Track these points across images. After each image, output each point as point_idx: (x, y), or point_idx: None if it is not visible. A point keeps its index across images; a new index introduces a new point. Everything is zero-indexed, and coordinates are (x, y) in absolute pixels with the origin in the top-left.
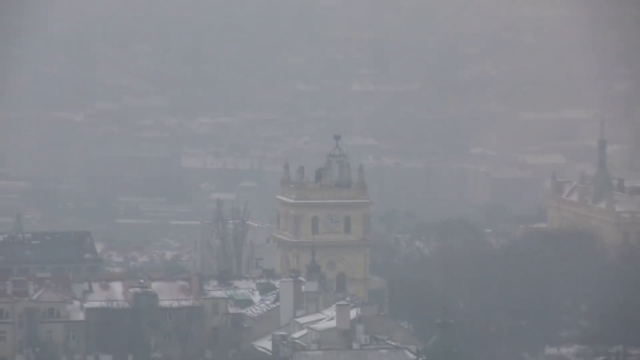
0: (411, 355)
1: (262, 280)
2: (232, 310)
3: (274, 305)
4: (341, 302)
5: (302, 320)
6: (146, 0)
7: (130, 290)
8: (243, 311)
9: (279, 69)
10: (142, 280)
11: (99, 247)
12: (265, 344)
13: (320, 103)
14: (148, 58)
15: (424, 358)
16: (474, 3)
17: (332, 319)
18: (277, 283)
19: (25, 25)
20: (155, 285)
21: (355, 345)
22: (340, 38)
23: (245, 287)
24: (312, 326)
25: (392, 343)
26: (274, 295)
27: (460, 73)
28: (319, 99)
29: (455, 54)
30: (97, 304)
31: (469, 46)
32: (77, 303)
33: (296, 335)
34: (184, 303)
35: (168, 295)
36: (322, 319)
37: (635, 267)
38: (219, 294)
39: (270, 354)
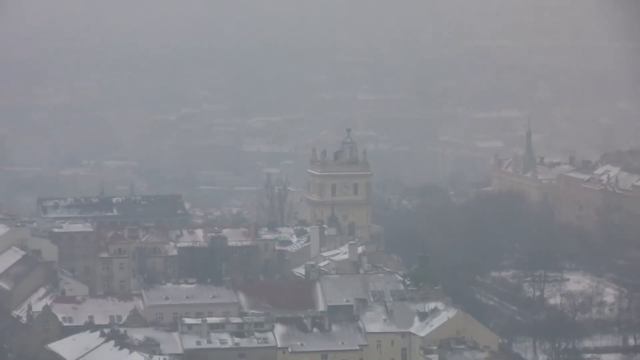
0: (399, 278)
1: (298, 227)
2: (277, 247)
3: (306, 244)
4: (351, 242)
5: (325, 254)
6: (215, 34)
7: (208, 235)
8: (285, 248)
9: (308, 83)
10: (216, 228)
11: (187, 206)
12: (300, 271)
13: (336, 107)
14: (219, 77)
15: (408, 280)
16: (443, 35)
17: (345, 253)
18: (308, 229)
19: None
20: (225, 231)
21: (361, 271)
22: (350, 62)
23: (286, 232)
24: (332, 258)
25: (386, 269)
26: (306, 237)
27: (433, 86)
28: (335, 104)
29: (430, 73)
30: (185, 244)
31: (439, 68)
32: (172, 244)
33: (321, 264)
34: (245, 243)
35: (234, 238)
36: (338, 253)
37: (551, 217)
38: (268, 237)
39: (303, 277)
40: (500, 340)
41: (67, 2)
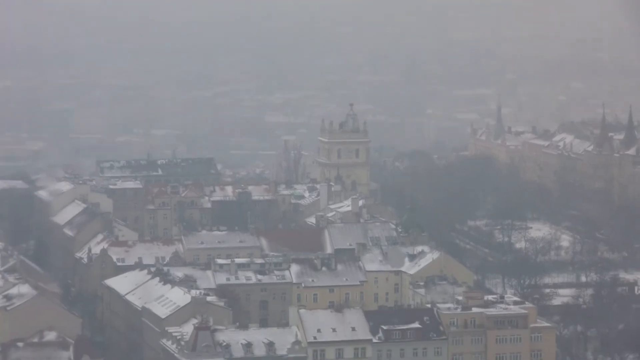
0: (393, 226)
1: (309, 184)
2: (293, 201)
3: (316, 198)
4: (353, 197)
5: (332, 206)
6: (242, 26)
7: (236, 191)
8: (299, 202)
9: (318, 67)
10: (242, 185)
11: (218, 167)
12: (311, 220)
13: (341, 86)
14: (246, 62)
15: (400, 227)
16: (429, 28)
17: (348, 206)
18: (318, 186)
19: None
20: (250, 188)
21: (361, 221)
22: (353, 49)
23: (300, 188)
24: (338, 210)
25: (382, 219)
26: (316, 192)
27: (421, 69)
28: (340, 84)
29: (418, 59)
30: (217, 198)
31: (425, 54)
32: (206, 198)
33: (329, 215)
34: (266, 197)
35: (257, 193)
36: (343, 206)
37: (517, 176)
38: (285, 192)
39: (314, 225)
40: (475, 277)
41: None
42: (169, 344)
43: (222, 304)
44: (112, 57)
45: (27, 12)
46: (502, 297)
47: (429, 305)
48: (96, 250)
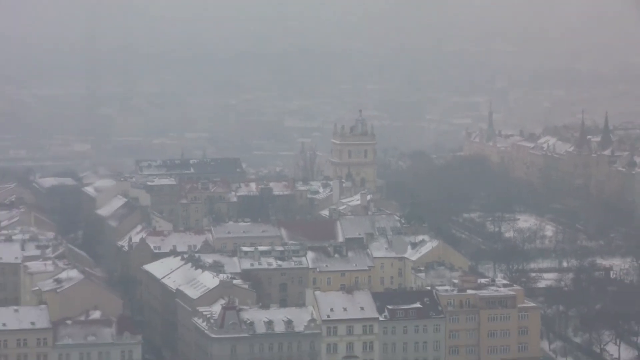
0: (397, 218)
1: (323, 181)
2: (309, 196)
3: (330, 193)
4: (362, 192)
5: (343, 200)
6: (264, 41)
7: (259, 187)
8: (314, 196)
9: (331, 77)
10: (264, 182)
11: (243, 165)
12: (325, 213)
13: (351, 94)
14: (267, 73)
15: (403, 219)
16: (428, 42)
17: (358, 200)
18: (331, 182)
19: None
20: (271, 184)
21: (369, 213)
22: (361, 62)
23: (315, 185)
24: (348, 203)
25: (387, 212)
26: (330, 188)
27: (421, 79)
28: (351, 92)
29: (419, 69)
30: (242, 193)
31: (426, 66)
32: (232, 193)
33: (340, 208)
34: (285, 192)
35: (277, 189)
36: (353, 200)
37: (507, 174)
38: (302, 188)
39: (327, 217)
40: (469, 263)
41: (168, 20)
42: (199, 321)
43: (246, 286)
44: (149, 68)
45: (77, 27)
46: (493, 280)
47: (428, 288)
48: (136, 239)
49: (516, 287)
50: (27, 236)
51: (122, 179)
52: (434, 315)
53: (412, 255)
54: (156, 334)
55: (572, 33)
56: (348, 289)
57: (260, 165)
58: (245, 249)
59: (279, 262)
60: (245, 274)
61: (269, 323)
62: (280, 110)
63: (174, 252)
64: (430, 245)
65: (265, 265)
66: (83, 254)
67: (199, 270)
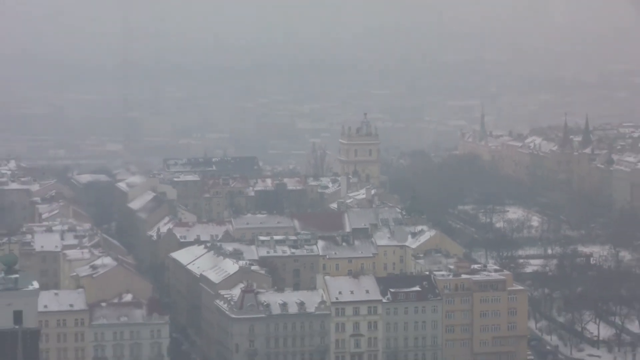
0: (398, 210)
1: (332, 177)
2: (319, 190)
3: (338, 188)
4: (367, 187)
5: (350, 195)
6: (278, 52)
7: (274, 182)
8: (324, 191)
9: (339, 83)
10: (279, 178)
11: (260, 163)
12: (334, 206)
13: (357, 98)
14: (282, 79)
15: (404, 211)
16: (427, 53)
17: (363, 194)
18: (339, 178)
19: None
20: (285, 180)
21: (373, 206)
22: (366, 69)
23: (325, 181)
24: (355, 197)
25: (390, 205)
26: (338, 183)
27: (421, 84)
28: (357, 97)
29: (419, 76)
30: (259, 188)
31: (425, 73)
32: (250, 188)
33: (348, 201)
34: (298, 187)
35: (291, 184)
36: (359, 194)
37: (497, 171)
38: (313, 183)
39: (336, 209)
40: (463, 251)
41: (193, 32)
42: (221, 303)
43: (263, 272)
44: (175, 75)
45: (111, 40)
46: (485, 266)
47: (427, 273)
48: (163, 229)
49: (506, 272)
50: (66, 227)
51: (151, 176)
52: (431, 298)
53: (412, 243)
54: (182, 315)
55: (556, 44)
56: (354, 274)
57: (275, 163)
58: (262, 238)
59: (293, 250)
60: (262, 261)
61: (284, 305)
62: (293, 113)
63: (197, 241)
64: (428, 234)
65: (280, 253)
66: (116, 243)
67: (221, 257)
